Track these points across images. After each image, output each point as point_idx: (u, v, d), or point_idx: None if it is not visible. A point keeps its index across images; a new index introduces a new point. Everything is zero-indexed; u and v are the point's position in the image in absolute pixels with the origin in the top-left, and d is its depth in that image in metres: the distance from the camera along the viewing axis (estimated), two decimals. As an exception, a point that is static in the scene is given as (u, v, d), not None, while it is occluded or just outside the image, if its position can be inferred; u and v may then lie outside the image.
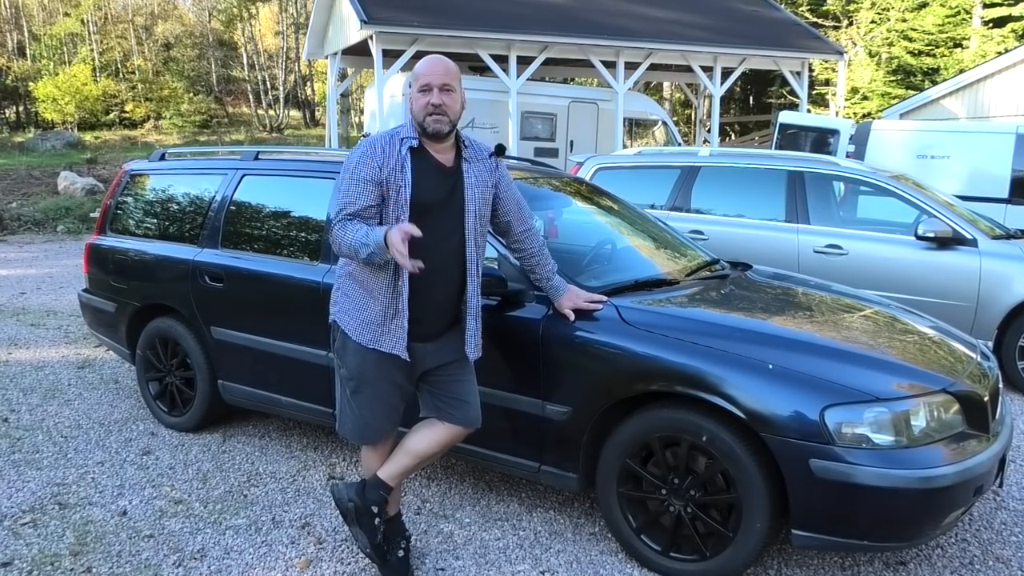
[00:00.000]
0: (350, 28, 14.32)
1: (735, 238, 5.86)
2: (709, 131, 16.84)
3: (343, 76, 18.32)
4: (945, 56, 20.51)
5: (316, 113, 36.08)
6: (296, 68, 35.88)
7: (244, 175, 4.16)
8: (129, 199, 4.73)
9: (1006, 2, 19.56)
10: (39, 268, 10.06)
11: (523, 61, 14.12)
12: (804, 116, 13.57)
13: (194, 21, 37.24)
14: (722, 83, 15.79)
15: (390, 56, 13.52)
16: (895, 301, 4.16)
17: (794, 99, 18.05)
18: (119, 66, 34.55)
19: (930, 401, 2.66)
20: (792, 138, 11.73)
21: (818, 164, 5.96)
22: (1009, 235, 5.53)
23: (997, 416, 2.91)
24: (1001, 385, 3.10)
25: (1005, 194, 8.59)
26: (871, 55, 21.52)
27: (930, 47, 20.70)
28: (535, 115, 14.52)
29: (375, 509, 2.80)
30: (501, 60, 13.94)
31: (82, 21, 34.07)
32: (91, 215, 13.86)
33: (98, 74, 32.57)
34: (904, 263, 5.37)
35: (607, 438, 2.97)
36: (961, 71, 16.88)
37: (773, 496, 2.65)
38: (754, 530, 2.67)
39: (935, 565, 3.05)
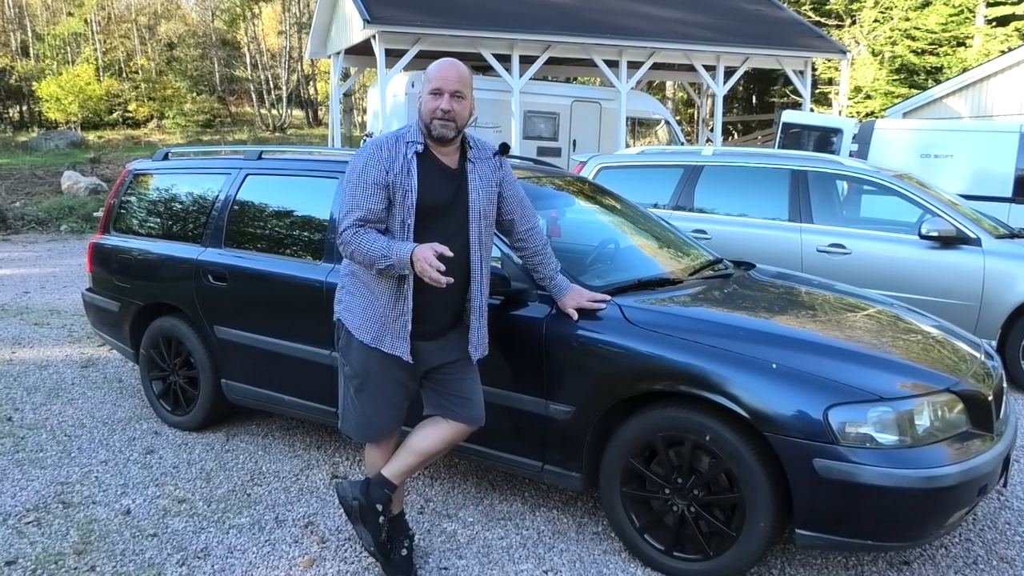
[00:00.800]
0: (353, 27, 14.33)
1: (738, 237, 5.85)
2: (712, 130, 16.84)
3: (346, 75, 18.34)
4: (948, 55, 20.49)
5: (319, 113, 36.12)
6: (299, 67, 35.92)
7: (247, 175, 4.16)
8: (132, 198, 4.74)
9: (1009, 1, 19.52)
10: (43, 267, 10.08)
11: (526, 60, 14.12)
12: (807, 115, 13.56)
13: (197, 20, 37.30)
14: (725, 82, 15.77)
15: (393, 55, 13.53)
16: (899, 300, 4.15)
17: (797, 98, 18.02)
18: (122, 66, 34.63)
19: (934, 401, 2.65)
20: (795, 137, 11.73)
21: (821, 163, 5.96)
22: (1013, 234, 5.52)
23: (1001, 416, 2.90)
24: (1005, 384, 3.10)
25: (1009, 193, 8.57)
26: (874, 54, 21.50)
27: (933, 46, 20.68)
28: (538, 114, 14.52)
29: (379, 507, 2.80)
30: (504, 59, 13.93)
31: (85, 21, 34.13)
32: (95, 214, 13.88)
33: (101, 74, 32.63)
34: (908, 262, 5.36)
35: (610, 437, 2.97)
36: (964, 70, 16.86)
37: (777, 496, 2.64)
38: (758, 530, 2.67)
39: (939, 565, 3.04)
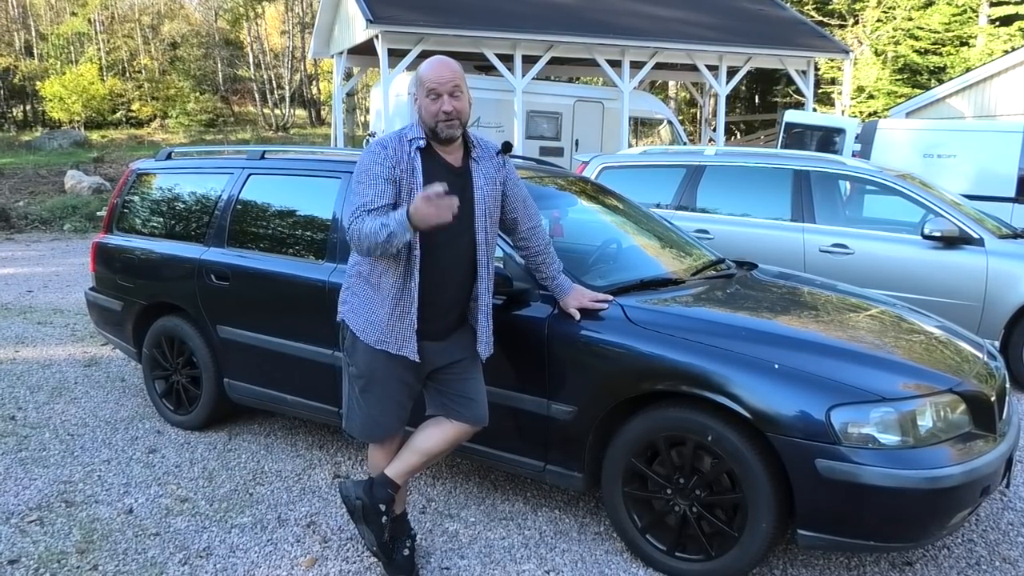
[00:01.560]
0: (356, 27, 14.34)
1: (741, 237, 5.84)
2: (715, 130, 16.83)
3: (349, 75, 18.34)
4: (951, 54, 20.47)
5: (322, 112, 36.16)
6: (302, 67, 35.96)
7: (250, 174, 4.17)
8: (136, 198, 4.75)
9: (1013, 0, 19.48)
10: (46, 266, 10.10)
11: (528, 60, 14.12)
12: (810, 115, 13.55)
13: (200, 20, 37.35)
14: (728, 82, 15.76)
15: (396, 55, 13.54)
16: (901, 301, 4.15)
17: (800, 98, 18.01)
18: (126, 65, 34.69)
19: (936, 401, 2.65)
20: (798, 137, 11.72)
21: (824, 163, 5.95)
22: (1016, 234, 5.51)
23: (1004, 416, 2.90)
24: (1008, 385, 3.09)
25: (1012, 193, 8.55)
26: (877, 54, 21.48)
27: (936, 45, 20.66)
28: (540, 114, 14.51)
29: (382, 507, 2.81)
30: (506, 59, 13.93)
31: (89, 20, 34.20)
32: (98, 214, 13.91)
33: (105, 73, 32.69)
34: (910, 262, 5.35)
35: (612, 437, 2.97)
36: (967, 70, 16.83)
37: (779, 496, 2.64)
38: (760, 530, 2.66)
39: (941, 565, 3.04)
